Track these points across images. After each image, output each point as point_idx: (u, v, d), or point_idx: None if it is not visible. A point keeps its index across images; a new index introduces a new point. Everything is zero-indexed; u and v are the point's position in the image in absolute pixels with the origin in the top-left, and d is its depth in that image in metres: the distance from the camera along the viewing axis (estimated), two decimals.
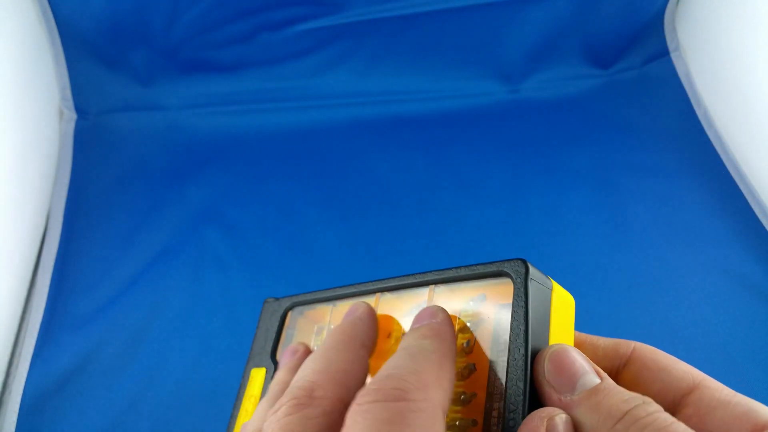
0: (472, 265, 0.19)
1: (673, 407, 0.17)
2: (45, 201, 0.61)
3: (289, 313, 0.25)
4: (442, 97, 0.72)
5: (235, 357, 0.49)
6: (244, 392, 0.24)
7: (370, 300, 0.23)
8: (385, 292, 0.22)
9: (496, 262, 0.19)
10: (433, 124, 0.70)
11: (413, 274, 0.21)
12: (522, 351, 0.16)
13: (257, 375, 0.24)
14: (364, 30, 0.70)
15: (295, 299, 0.25)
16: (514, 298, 0.17)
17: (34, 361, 0.50)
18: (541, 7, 0.69)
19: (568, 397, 0.16)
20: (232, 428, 0.24)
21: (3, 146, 0.54)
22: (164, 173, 0.65)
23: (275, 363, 0.24)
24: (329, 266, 0.56)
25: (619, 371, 0.19)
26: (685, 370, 0.18)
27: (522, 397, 0.16)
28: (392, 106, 0.72)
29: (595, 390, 0.16)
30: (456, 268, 0.20)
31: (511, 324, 0.17)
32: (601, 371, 0.17)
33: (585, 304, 0.52)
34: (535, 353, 0.17)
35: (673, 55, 0.74)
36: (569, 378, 0.16)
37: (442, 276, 0.20)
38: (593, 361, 0.18)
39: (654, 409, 0.15)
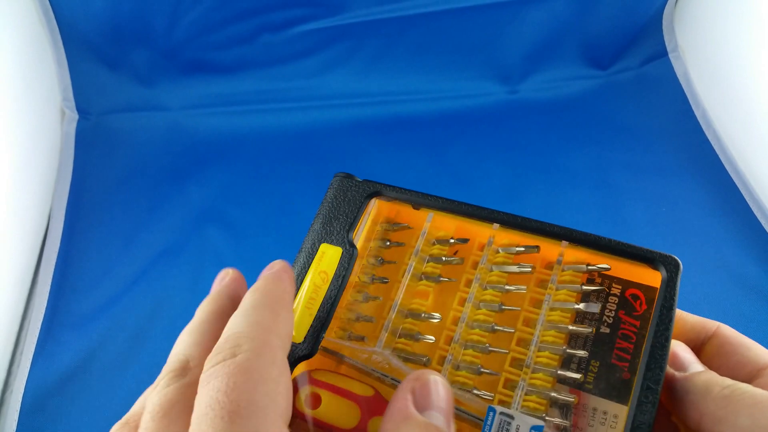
0: (621, 242, 0.22)
1: (749, 379, 0.20)
2: (47, 200, 0.62)
3: (373, 199, 0.24)
4: (441, 97, 0.73)
5: None
6: (310, 265, 0.23)
7: (483, 228, 0.24)
8: (502, 225, 0.23)
9: (649, 250, 0.21)
10: (433, 124, 0.70)
11: (547, 223, 0.22)
12: (665, 336, 0.20)
13: (329, 252, 0.23)
14: (364, 31, 0.70)
15: (380, 187, 0.24)
16: (664, 296, 0.21)
17: (36, 359, 0.50)
18: (540, 8, 0.69)
19: (682, 374, 0.21)
20: (296, 306, 0.22)
21: (5, 146, 0.54)
22: (165, 173, 0.65)
23: (353, 247, 0.23)
24: None
25: (704, 343, 0.22)
26: (764, 350, 0.21)
27: (662, 372, 0.19)
28: (392, 106, 0.72)
29: (701, 372, 0.20)
30: (603, 238, 0.22)
31: (659, 312, 0.20)
32: (701, 364, 0.21)
33: None
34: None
35: (671, 56, 0.74)
36: (682, 366, 0.21)
37: (582, 237, 0.22)
38: (682, 333, 0.23)
39: (747, 387, 0.19)
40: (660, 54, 0.74)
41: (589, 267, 0.23)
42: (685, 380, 0.20)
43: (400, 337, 0.23)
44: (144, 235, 0.59)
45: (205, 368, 0.16)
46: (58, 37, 0.66)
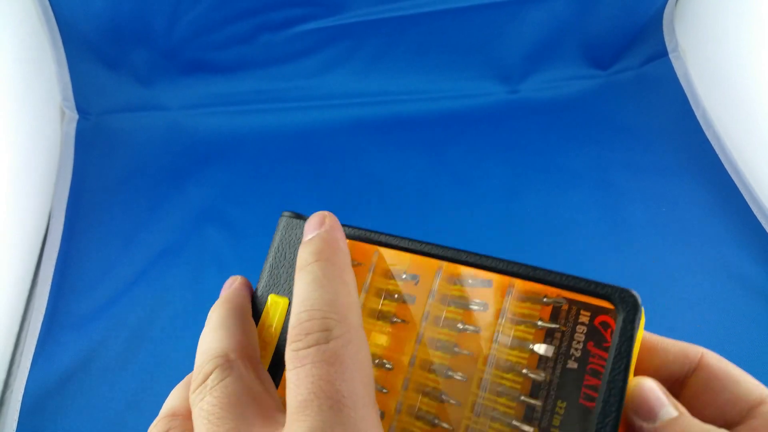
0: (574, 276, 0.20)
1: (740, 419, 0.18)
2: (47, 200, 0.62)
3: None
4: (441, 97, 0.73)
5: None
6: (259, 318, 0.22)
7: (430, 264, 0.22)
8: (452, 263, 0.21)
9: (603, 284, 0.19)
10: (433, 124, 0.70)
11: (494, 257, 0.21)
12: (621, 382, 0.17)
13: (277, 303, 0.22)
14: (364, 30, 0.70)
15: None
16: (619, 331, 0.18)
17: (36, 359, 0.50)
18: (540, 8, 0.69)
19: (651, 425, 0.17)
20: None
21: (5, 146, 0.54)
22: (165, 173, 0.65)
23: None
24: None
25: (687, 376, 0.20)
26: (754, 383, 0.19)
27: (616, 422, 0.17)
28: (392, 106, 0.72)
29: (674, 420, 0.17)
30: (554, 272, 0.20)
31: (615, 353, 0.18)
32: (677, 403, 0.18)
33: None
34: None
35: (671, 56, 0.74)
36: (651, 409, 0.18)
37: (530, 272, 0.20)
38: (663, 365, 0.20)
39: None
40: (660, 54, 0.74)
41: (545, 299, 0.20)
42: None
43: None
44: (144, 235, 0.59)
45: (293, 347, 0.16)
46: (58, 37, 0.66)
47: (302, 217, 0.23)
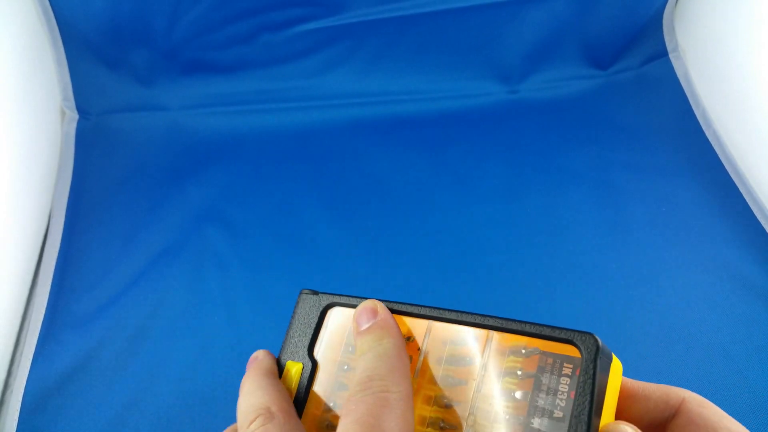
0: (539, 324, 0.21)
1: None
2: (47, 200, 0.62)
3: (328, 312, 0.26)
4: (441, 97, 0.73)
5: (235, 356, 0.50)
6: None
7: (420, 323, 0.24)
8: (437, 321, 0.24)
9: (566, 329, 0.20)
10: (433, 124, 0.70)
11: (473, 313, 0.23)
12: (584, 426, 0.18)
13: (293, 368, 0.25)
14: (364, 31, 0.70)
15: (334, 299, 0.26)
16: (581, 373, 0.19)
17: (36, 359, 0.50)
18: (540, 8, 0.69)
19: None
20: None
21: (5, 146, 0.54)
22: (165, 173, 0.65)
23: (312, 360, 0.25)
24: (329, 265, 0.57)
25: (668, 421, 0.20)
26: (733, 427, 0.19)
27: None
28: (392, 106, 0.72)
29: None
30: (521, 321, 0.21)
31: (576, 398, 0.19)
32: None
33: (583, 303, 0.53)
34: (594, 422, 0.18)
35: (671, 56, 0.74)
36: None
37: (504, 325, 0.22)
38: (645, 411, 0.20)
39: None
40: (660, 54, 0.74)
41: (523, 350, 0.21)
42: None
43: None
44: (144, 235, 0.59)
45: (353, 396, 0.19)
46: (58, 37, 0.66)
47: (318, 293, 0.26)
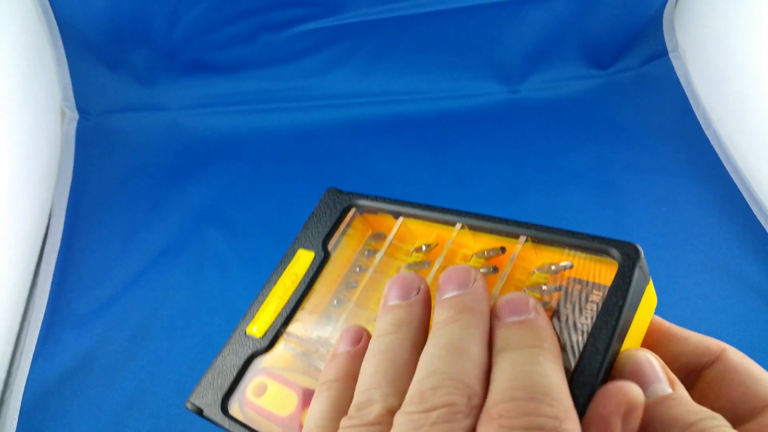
0: (577, 232, 0.19)
1: (750, 416, 0.17)
2: (47, 200, 0.62)
3: (352, 210, 0.25)
4: (441, 97, 0.73)
5: None
6: (285, 268, 0.25)
7: (447, 229, 0.22)
8: (465, 227, 0.22)
9: (606, 238, 0.18)
10: (433, 124, 0.70)
11: (505, 219, 0.21)
12: (606, 340, 0.16)
13: (304, 256, 0.24)
14: (364, 31, 0.70)
15: (360, 198, 0.25)
16: (615, 282, 0.17)
17: (36, 359, 0.50)
18: (540, 8, 0.69)
19: None
20: (261, 301, 0.24)
21: (5, 146, 0.55)
22: (165, 173, 0.65)
23: (326, 251, 0.24)
24: None
25: (705, 368, 0.19)
26: None
27: (596, 385, 0.16)
28: (392, 106, 0.72)
29: (665, 398, 0.16)
30: (557, 229, 0.20)
31: (603, 308, 0.17)
32: (677, 382, 0.17)
33: None
34: (614, 345, 0.17)
35: (671, 56, 0.74)
36: (642, 382, 0.16)
37: (538, 232, 0.20)
38: (682, 353, 0.19)
39: (721, 423, 0.15)
40: (660, 54, 0.74)
41: (552, 267, 0.20)
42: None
43: None
44: (144, 234, 0.59)
45: (509, 423, 0.14)
46: (58, 37, 0.66)
47: (341, 192, 0.26)
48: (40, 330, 0.52)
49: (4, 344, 0.50)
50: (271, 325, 0.23)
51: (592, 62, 0.74)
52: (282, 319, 0.23)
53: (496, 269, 0.21)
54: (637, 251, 0.18)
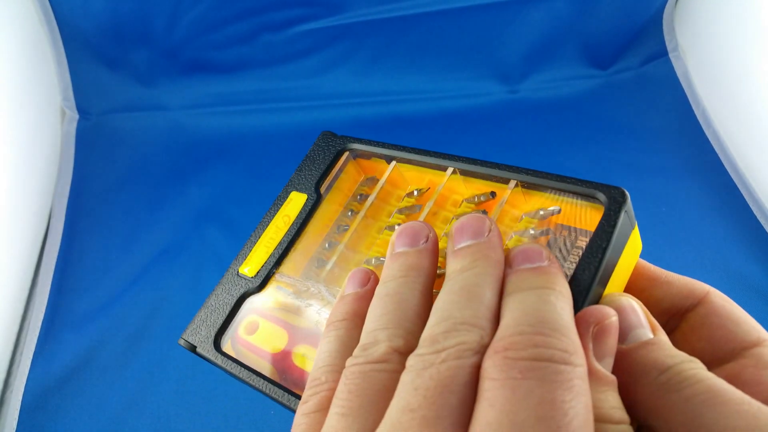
0: (565, 176, 0.19)
1: (730, 357, 0.17)
2: (47, 200, 0.62)
3: (345, 153, 0.25)
4: (441, 97, 0.73)
5: None
6: (278, 210, 0.25)
7: (439, 174, 0.22)
8: (457, 171, 0.22)
9: (594, 182, 0.19)
10: (433, 124, 0.70)
11: (496, 164, 0.21)
12: (588, 280, 0.17)
13: (296, 198, 0.25)
14: (364, 31, 0.70)
15: (354, 142, 0.25)
16: (600, 225, 0.17)
17: (36, 358, 0.50)
18: (540, 8, 0.69)
19: (620, 345, 0.16)
20: (254, 242, 0.24)
21: (5, 146, 0.55)
22: (165, 173, 0.65)
23: (318, 194, 0.24)
24: None
25: (688, 310, 0.19)
26: (754, 326, 0.18)
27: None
28: (392, 106, 0.72)
29: (645, 342, 0.16)
30: (546, 173, 0.20)
31: (587, 249, 0.17)
32: (658, 327, 0.17)
33: None
34: (596, 288, 0.17)
35: (671, 56, 0.74)
36: (624, 327, 0.16)
37: (527, 177, 0.20)
38: (666, 296, 0.19)
39: (697, 366, 0.15)
40: (660, 54, 0.74)
41: (541, 212, 0.21)
42: (619, 354, 0.16)
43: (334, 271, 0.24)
44: (144, 234, 0.59)
45: (510, 354, 0.14)
46: (58, 37, 0.66)
47: (338, 136, 0.25)
48: (40, 330, 0.52)
49: (4, 344, 0.50)
50: (263, 266, 0.23)
51: (592, 62, 0.74)
52: (274, 260, 0.23)
53: (485, 213, 0.21)
54: (623, 195, 0.18)
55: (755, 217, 0.58)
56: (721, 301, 0.19)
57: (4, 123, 0.55)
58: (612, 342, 0.16)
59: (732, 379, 0.15)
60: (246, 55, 0.71)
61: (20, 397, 0.47)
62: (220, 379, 0.49)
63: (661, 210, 0.59)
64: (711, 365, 0.16)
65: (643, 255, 0.58)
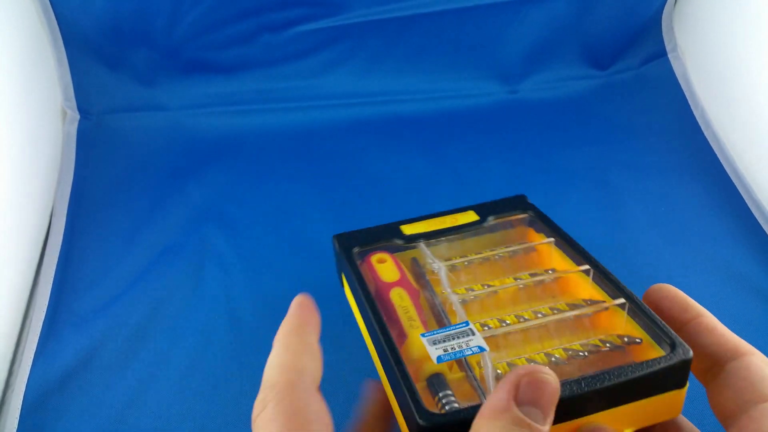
0: (651, 313, 0.25)
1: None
2: (48, 200, 0.62)
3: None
4: (441, 97, 0.73)
5: (236, 354, 0.50)
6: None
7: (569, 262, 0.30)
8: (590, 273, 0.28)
9: (672, 332, 0.23)
10: (433, 124, 0.70)
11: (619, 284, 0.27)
12: (582, 390, 0.21)
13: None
14: (365, 31, 0.70)
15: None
16: (646, 362, 0.22)
17: (37, 358, 0.50)
18: (540, 8, 0.69)
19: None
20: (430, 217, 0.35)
21: (6, 146, 0.55)
22: (166, 172, 0.66)
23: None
24: (329, 265, 0.57)
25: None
26: (730, 339, 0.22)
27: None
28: (392, 106, 0.72)
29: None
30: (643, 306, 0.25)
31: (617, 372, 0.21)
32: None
33: None
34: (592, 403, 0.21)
35: (670, 56, 0.74)
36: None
37: (634, 303, 0.26)
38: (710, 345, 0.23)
39: None
40: (659, 54, 0.75)
41: (626, 339, 0.25)
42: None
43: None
44: (145, 234, 0.59)
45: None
46: (59, 36, 0.66)
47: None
48: (42, 329, 0.52)
49: (5, 343, 0.50)
50: (421, 233, 0.33)
51: (591, 63, 0.74)
52: (431, 236, 0.33)
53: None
54: (689, 354, 0.21)
55: (754, 216, 0.58)
56: (709, 321, 0.23)
57: (5, 123, 0.55)
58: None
59: None
60: (246, 55, 0.71)
61: (21, 397, 0.47)
62: (220, 380, 0.49)
63: (660, 210, 0.60)
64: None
65: (643, 255, 0.58)
